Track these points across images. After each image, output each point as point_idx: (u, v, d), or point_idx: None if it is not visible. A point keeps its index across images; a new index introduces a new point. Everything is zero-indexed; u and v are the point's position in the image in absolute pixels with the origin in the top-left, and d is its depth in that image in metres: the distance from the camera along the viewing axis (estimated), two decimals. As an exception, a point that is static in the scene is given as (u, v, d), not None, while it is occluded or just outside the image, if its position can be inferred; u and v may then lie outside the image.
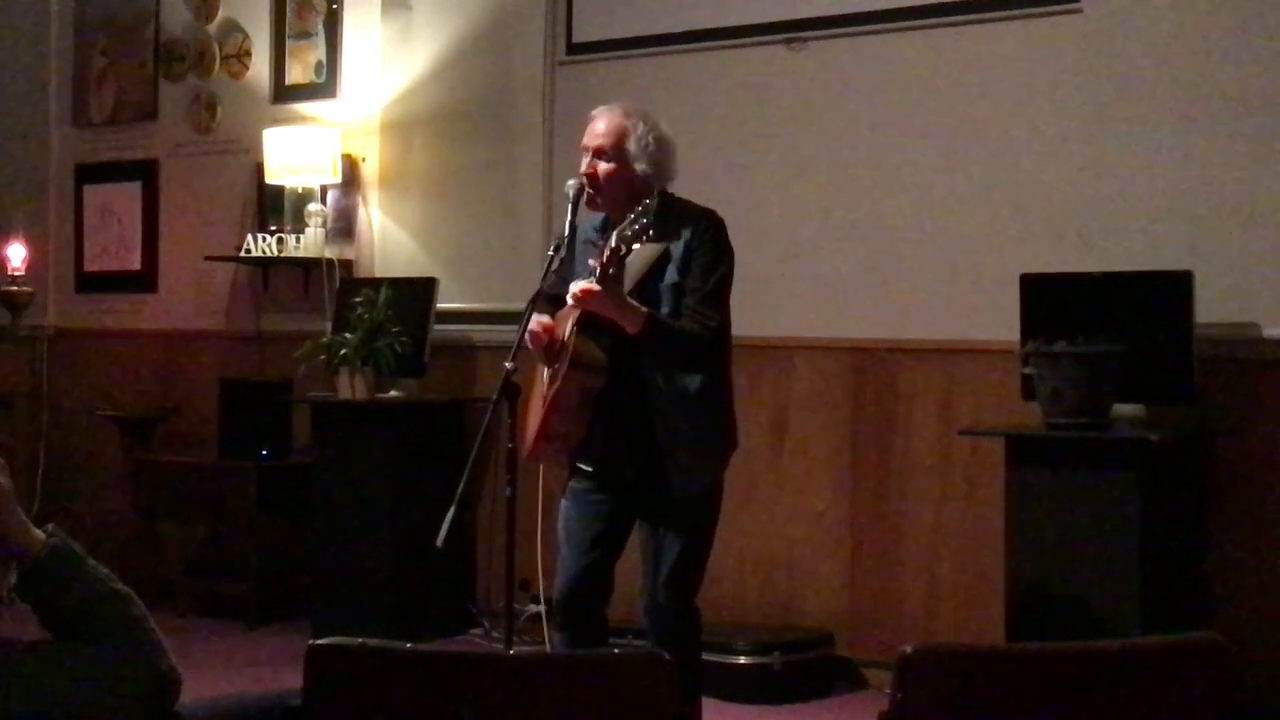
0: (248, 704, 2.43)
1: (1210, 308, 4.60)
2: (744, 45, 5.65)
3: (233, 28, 6.96)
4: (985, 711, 2.05)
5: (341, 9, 6.57)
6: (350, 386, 5.89)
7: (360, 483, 5.87)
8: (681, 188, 3.82)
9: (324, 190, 6.49)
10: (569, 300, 3.62)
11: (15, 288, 6.83)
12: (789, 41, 5.54)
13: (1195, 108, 4.79)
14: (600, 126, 3.74)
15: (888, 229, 5.34)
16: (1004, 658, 2.22)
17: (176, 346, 7.12)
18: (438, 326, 6.10)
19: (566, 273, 3.76)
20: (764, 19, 5.59)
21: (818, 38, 5.49)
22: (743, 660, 5.09)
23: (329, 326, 6.20)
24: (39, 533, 2.16)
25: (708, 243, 3.69)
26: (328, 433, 6.04)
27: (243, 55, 6.92)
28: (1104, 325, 4.50)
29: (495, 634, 5.78)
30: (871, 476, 5.35)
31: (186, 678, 2.20)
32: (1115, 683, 2.08)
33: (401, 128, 6.44)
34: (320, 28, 6.67)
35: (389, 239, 6.47)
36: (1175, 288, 4.56)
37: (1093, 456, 4.38)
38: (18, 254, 6.89)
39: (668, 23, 5.81)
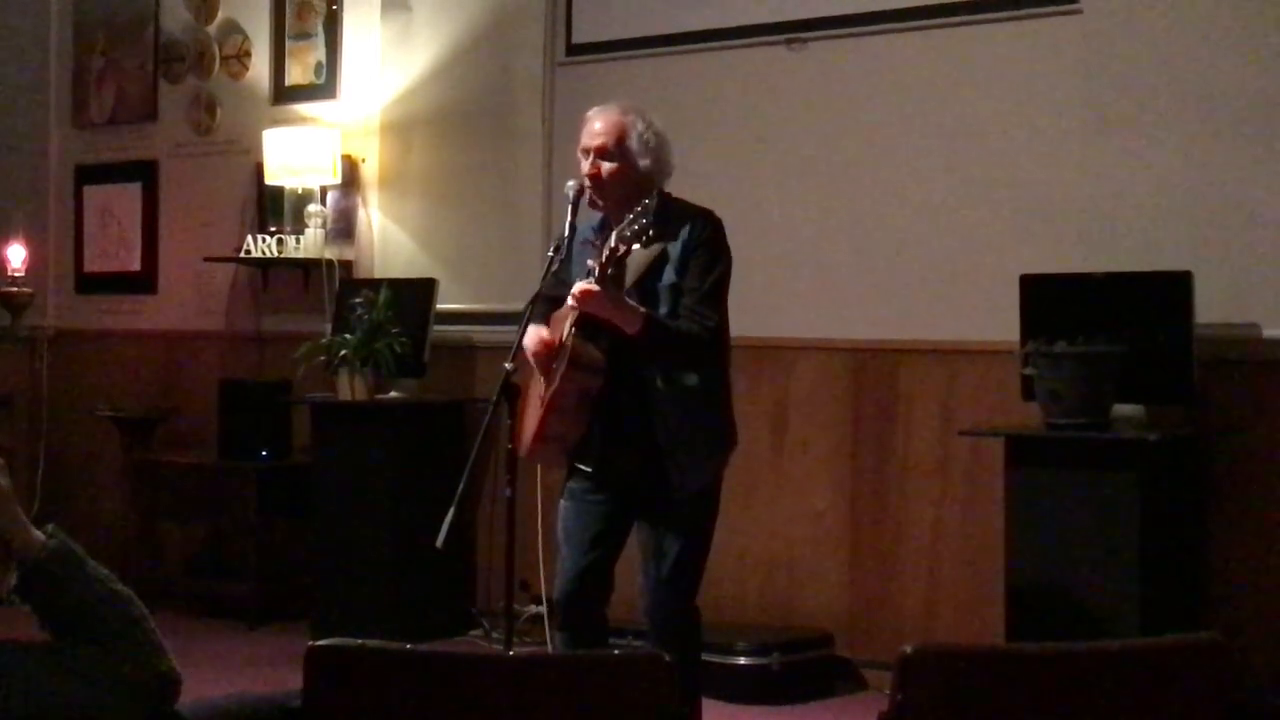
0: (248, 704, 2.43)
1: (1210, 308, 4.60)
2: (744, 46, 5.65)
3: (232, 28, 6.96)
4: (985, 711, 2.05)
5: (341, 10, 6.57)
6: (350, 387, 5.89)
7: (360, 483, 5.87)
8: (681, 188, 3.82)
9: (324, 191, 6.48)
10: (569, 301, 3.62)
11: (15, 288, 6.83)
12: (789, 42, 5.54)
13: (1195, 108, 4.78)
14: (599, 126, 3.73)
15: (888, 229, 5.34)
16: (1004, 658, 2.23)
17: (176, 347, 7.12)
18: (437, 327, 6.10)
19: (565, 274, 3.76)
20: (764, 19, 5.59)
21: (818, 38, 5.49)
22: (742, 661, 5.09)
23: (329, 327, 6.20)
24: (39, 533, 2.16)
25: (705, 243, 3.68)
26: (327, 433, 6.04)
27: (242, 56, 6.92)
28: (1104, 325, 4.50)
29: (495, 635, 5.78)
30: (871, 477, 5.35)
31: (186, 678, 2.20)
32: (1115, 683, 2.08)
33: (401, 128, 6.44)
34: (320, 29, 6.67)
35: (389, 240, 6.47)
36: (1175, 288, 4.56)
37: (1093, 457, 4.38)
38: (17, 255, 6.89)
39: (668, 23, 5.81)
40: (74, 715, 2.06)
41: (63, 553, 2.16)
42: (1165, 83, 4.83)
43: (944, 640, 5.00)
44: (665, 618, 3.73)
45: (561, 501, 3.86)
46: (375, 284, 6.06)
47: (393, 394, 5.99)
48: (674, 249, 3.66)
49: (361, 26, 6.52)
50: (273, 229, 6.53)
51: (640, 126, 3.71)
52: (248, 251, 6.47)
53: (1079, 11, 4.98)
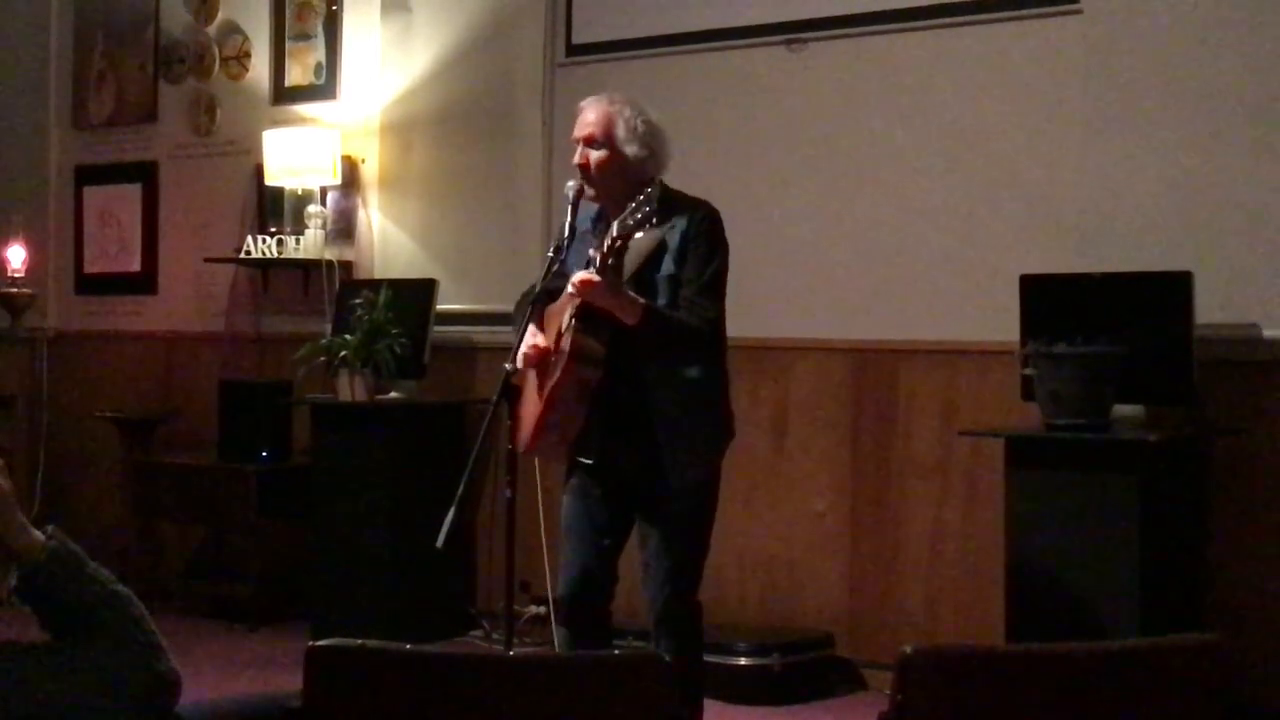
0: (247, 705, 2.43)
1: (1210, 308, 4.60)
2: (744, 46, 5.65)
3: (232, 29, 6.96)
4: (985, 712, 2.05)
5: (341, 11, 6.57)
6: (350, 388, 5.89)
7: (360, 484, 5.87)
8: (681, 188, 3.81)
9: (324, 192, 6.49)
10: (569, 290, 3.62)
11: (15, 290, 6.84)
12: (789, 43, 5.54)
13: (1195, 108, 4.78)
14: (589, 116, 3.75)
15: (888, 229, 5.34)
16: (1004, 658, 2.22)
17: (176, 348, 7.12)
18: (437, 328, 6.10)
19: (563, 269, 3.75)
20: (764, 20, 5.59)
21: (817, 39, 5.49)
22: (743, 661, 5.09)
23: (329, 328, 6.20)
24: (39, 534, 2.16)
25: (704, 234, 3.69)
26: (327, 434, 6.04)
27: (242, 57, 6.92)
28: (1104, 326, 4.50)
29: (495, 635, 5.78)
30: (872, 477, 5.35)
31: (186, 679, 2.20)
32: (1115, 683, 2.08)
33: (401, 129, 6.44)
34: (320, 29, 6.67)
35: (389, 240, 6.47)
36: (1175, 288, 4.56)
37: (1092, 457, 4.37)
38: (17, 256, 6.90)
39: (668, 23, 5.81)
40: (74, 716, 2.06)
41: (63, 553, 2.16)
42: (1165, 83, 4.83)
43: (944, 640, 5.00)
44: (666, 612, 3.73)
45: (563, 497, 3.86)
46: (375, 285, 6.05)
47: (393, 395, 5.99)
48: (672, 240, 3.66)
49: (361, 27, 6.52)
50: (273, 230, 6.53)
51: (628, 114, 3.72)
52: (248, 252, 6.48)
53: (1079, 11, 4.98)
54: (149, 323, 7.22)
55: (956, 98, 5.22)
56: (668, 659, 2.15)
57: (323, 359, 5.96)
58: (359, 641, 2.10)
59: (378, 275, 6.36)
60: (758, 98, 5.62)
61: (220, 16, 6.99)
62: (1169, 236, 4.78)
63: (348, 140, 6.47)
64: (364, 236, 6.52)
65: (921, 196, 5.28)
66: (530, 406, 3.72)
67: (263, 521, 6.26)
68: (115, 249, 7.35)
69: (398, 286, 6.02)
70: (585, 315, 3.59)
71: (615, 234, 3.52)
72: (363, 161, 6.50)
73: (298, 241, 6.40)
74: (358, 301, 5.89)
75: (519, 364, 3.66)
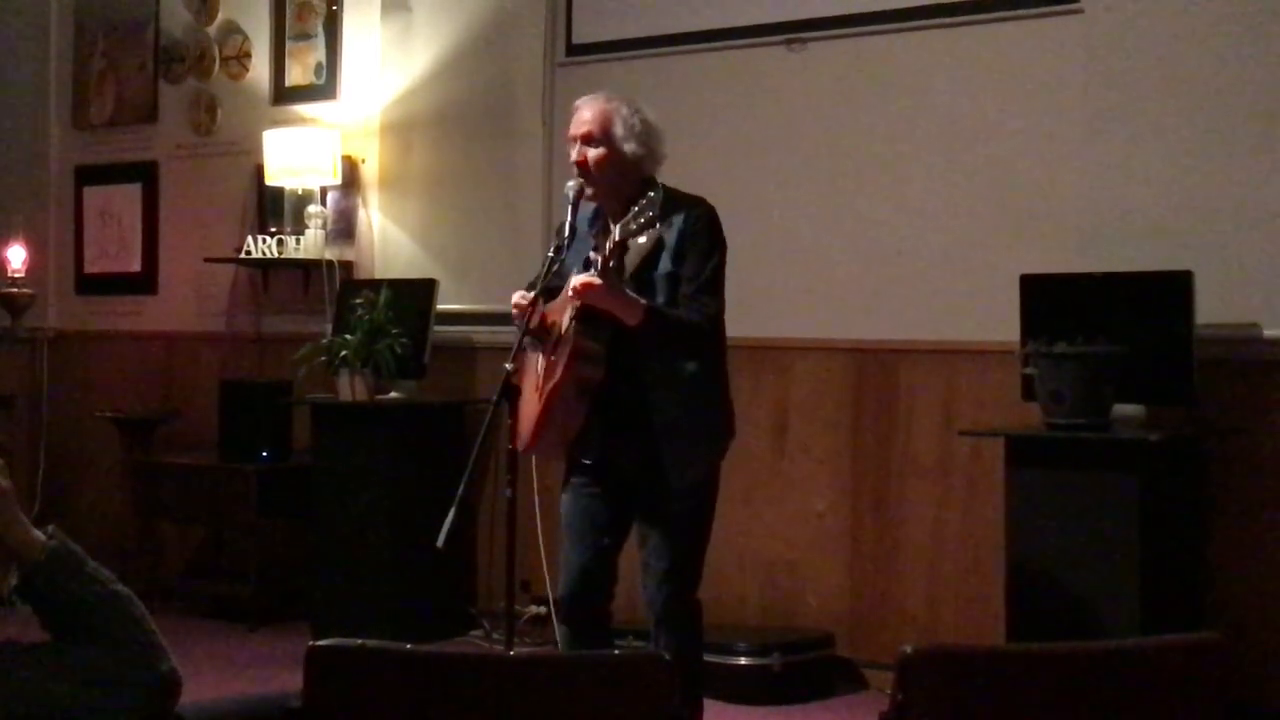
0: (248, 705, 2.43)
1: (1210, 308, 4.60)
2: (744, 46, 5.65)
3: (232, 29, 6.96)
4: (985, 711, 2.05)
5: (341, 11, 6.57)
6: (350, 388, 5.89)
7: (360, 484, 5.87)
8: (681, 188, 3.81)
9: (324, 192, 6.49)
10: (569, 293, 3.61)
11: (15, 290, 6.83)
12: (789, 42, 5.54)
13: (1195, 108, 4.78)
14: (586, 114, 3.74)
15: (888, 229, 5.34)
16: (1004, 658, 2.22)
17: (176, 348, 7.12)
18: (437, 328, 6.10)
19: (562, 269, 3.75)
20: (764, 20, 5.59)
21: (817, 39, 5.49)
22: (743, 661, 5.09)
23: (329, 328, 6.20)
24: (39, 534, 2.16)
25: (702, 231, 3.69)
26: (328, 434, 6.04)
27: (242, 57, 6.92)
28: (1104, 326, 4.50)
29: (496, 635, 5.78)
30: (872, 477, 5.35)
31: (187, 679, 2.20)
32: (1115, 683, 2.08)
33: (401, 129, 6.44)
34: (320, 29, 6.67)
35: (389, 240, 6.47)
36: (1175, 288, 4.56)
37: (1093, 457, 4.37)
38: (18, 256, 6.89)
39: (668, 23, 5.81)
40: (74, 716, 2.06)
41: (63, 553, 2.16)
42: (1166, 83, 4.83)
43: (944, 640, 5.00)
44: (666, 611, 3.73)
45: (563, 496, 3.86)
46: (375, 284, 6.06)
47: (393, 395, 5.99)
48: (670, 238, 3.66)
49: (361, 27, 6.52)
50: (273, 230, 6.53)
51: (625, 112, 3.72)
52: (248, 252, 6.48)
53: (1079, 11, 4.98)
54: (149, 323, 7.22)
55: (956, 98, 5.22)
56: (668, 658, 2.15)
57: (323, 359, 5.96)
58: (359, 641, 2.10)
59: (378, 275, 6.36)
60: (758, 98, 5.62)
61: (220, 16, 6.99)
62: (1169, 236, 4.78)
63: (348, 140, 6.47)
64: (364, 236, 6.52)
65: (921, 196, 5.28)
66: (530, 406, 3.72)
67: (263, 521, 6.26)
68: (115, 249, 7.35)
69: (398, 286, 6.02)
70: (586, 316, 3.59)
71: (617, 237, 3.52)
72: (363, 161, 6.50)
73: (298, 241, 6.40)
74: (358, 301, 5.89)
75: (513, 313, 3.66)
